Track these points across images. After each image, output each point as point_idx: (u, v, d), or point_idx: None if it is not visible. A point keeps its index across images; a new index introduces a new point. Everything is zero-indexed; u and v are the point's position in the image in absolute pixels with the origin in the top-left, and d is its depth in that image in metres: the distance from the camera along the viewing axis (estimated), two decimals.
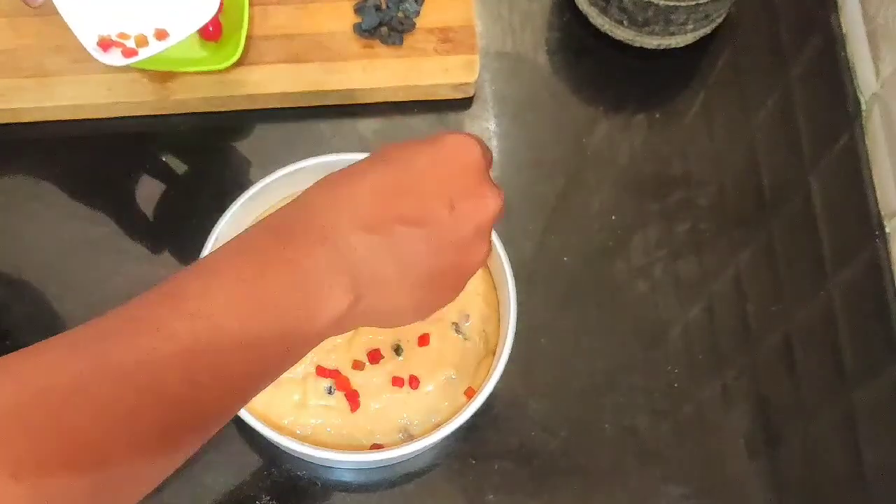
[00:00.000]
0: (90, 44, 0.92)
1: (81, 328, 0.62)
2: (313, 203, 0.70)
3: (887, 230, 1.05)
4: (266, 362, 0.67)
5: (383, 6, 1.08)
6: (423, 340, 0.92)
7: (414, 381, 0.91)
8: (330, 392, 0.90)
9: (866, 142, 1.09)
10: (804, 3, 1.16)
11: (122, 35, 0.94)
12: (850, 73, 1.12)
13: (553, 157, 1.09)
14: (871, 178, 1.08)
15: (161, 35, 0.94)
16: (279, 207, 0.71)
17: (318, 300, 0.67)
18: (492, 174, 0.75)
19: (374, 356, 0.91)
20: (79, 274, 1.02)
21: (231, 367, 0.64)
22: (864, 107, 1.11)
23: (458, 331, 0.92)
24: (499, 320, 0.94)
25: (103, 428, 0.59)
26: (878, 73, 1.08)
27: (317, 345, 0.69)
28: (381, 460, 0.89)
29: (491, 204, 0.73)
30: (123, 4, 0.94)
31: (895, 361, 1.01)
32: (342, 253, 0.68)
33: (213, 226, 0.90)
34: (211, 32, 1.05)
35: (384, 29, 1.08)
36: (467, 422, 0.87)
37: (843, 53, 1.13)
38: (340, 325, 0.69)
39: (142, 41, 0.93)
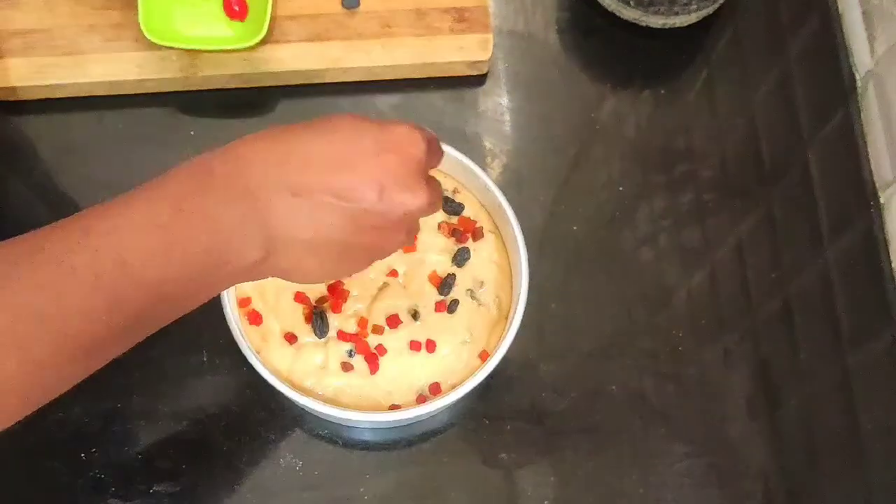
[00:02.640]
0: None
1: None
2: (245, 155, 0.68)
3: (881, 200, 1.04)
4: (169, 303, 0.67)
5: None
6: (440, 307, 0.91)
7: (431, 345, 0.90)
8: (350, 355, 0.89)
9: (861, 117, 1.08)
10: None
11: None
12: (846, 51, 1.11)
13: (563, 132, 1.08)
14: (865, 151, 1.07)
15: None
16: (217, 150, 0.69)
17: (228, 252, 0.67)
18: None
19: (393, 321, 0.90)
20: None
21: (132, 305, 0.64)
22: (859, 83, 1.09)
23: (472, 297, 0.91)
24: (511, 287, 0.93)
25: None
26: (872, 52, 1.07)
27: (223, 290, 0.70)
28: (399, 420, 0.89)
29: (419, 199, 0.71)
30: None
31: (889, 326, 1.00)
32: (261, 211, 0.67)
33: None
34: (237, 12, 1.04)
35: None
36: (481, 383, 0.86)
37: (839, 32, 1.12)
38: (247, 276, 0.70)
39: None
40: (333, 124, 0.71)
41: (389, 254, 0.75)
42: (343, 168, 0.69)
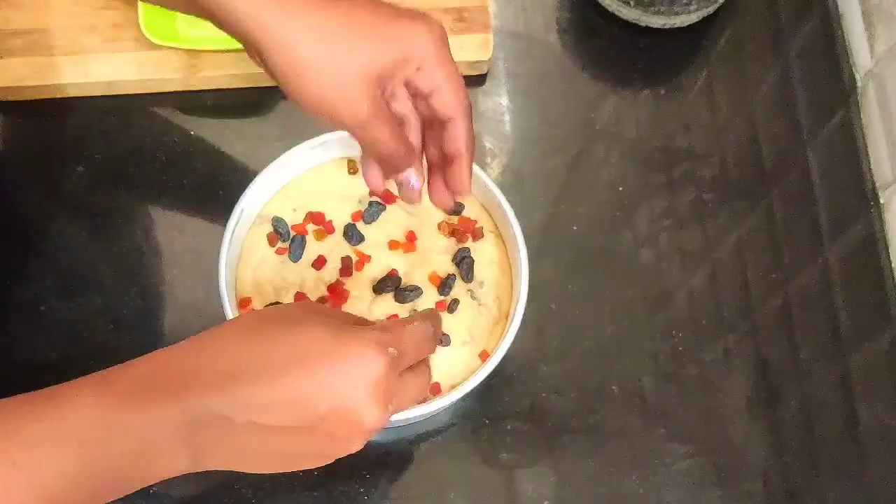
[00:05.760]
0: None
1: None
2: (186, 369, 0.67)
3: (881, 200, 1.04)
4: None
5: None
6: (441, 306, 0.90)
7: None
8: None
9: (861, 116, 1.08)
10: None
11: None
12: (846, 51, 1.11)
13: (563, 132, 1.07)
14: (865, 151, 1.06)
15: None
16: (156, 353, 0.68)
17: (152, 467, 0.66)
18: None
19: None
20: (111, 244, 1.01)
21: None
22: (859, 83, 1.09)
23: (473, 297, 0.91)
24: (511, 286, 0.92)
25: None
26: (872, 51, 1.07)
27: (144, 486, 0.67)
28: (399, 420, 0.87)
29: (366, 425, 0.67)
30: None
31: (889, 326, 1.00)
32: (193, 428, 0.65)
33: (239, 196, 0.88)
34: None
35: None
36: (481, 383, 0.85)
37: (839, 32, 1.11)
38: (172, 475, 0.67)
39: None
40: (295, 332, 0.68)
41: (336, 457, 0.72)
42: (283, 386, 0.66)
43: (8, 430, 0.62)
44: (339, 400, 0.66)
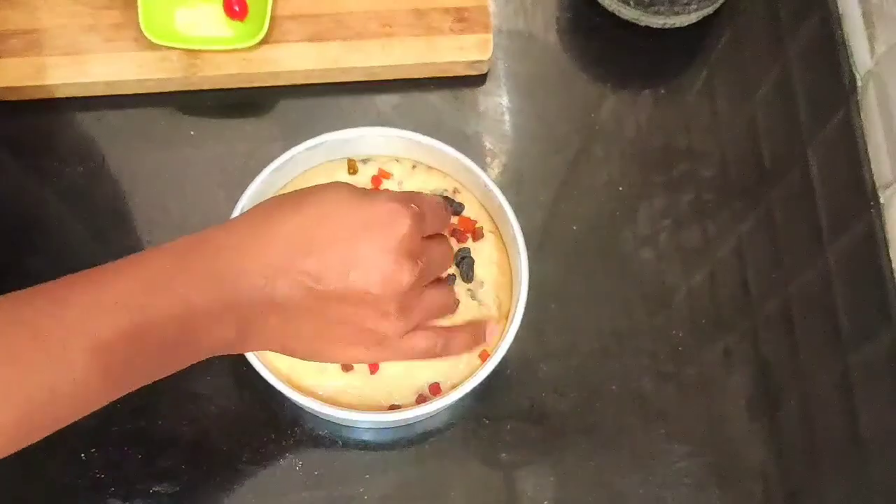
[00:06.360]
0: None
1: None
2: (220, 242, 0.70)
3: (881, 200, 1.04)
4: (137, 378, 0.69)
5: None
6: None
7: None
8: None
9: (861, 117, 1.07)
10: None
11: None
12: (847, 51, 1.11)
13: (563, 131, 1.07)
14: (865, 151, 1.06)
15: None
16: (197, 234, 0.71)
17: (199, 333, 0.69)
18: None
19: None
20: (111, 244, 1.01)
21: (97, 382, 0.65)
22: (859, 83, 1.09)
23: (473, 297, 0.91)
24: (511, 286, 0.92)
25: None
26: (872, 51, 1.07)
27: (197, 361, 0.70)
28: (399, 420, 0.88)
29: (396, 280, 0.72)
30: None
31: (889, 326, 1.00)
32: (230, 294, 0.68)
33: (239, 196, 0.88)
34: (237, 12, 1.04)
35: None
36: (481, 384, 0.85)
37: (839, 32, 1.11)
38: (223, 352, 0.71)
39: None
40: (319, 199, 0.72)
41: (388, 334, 0.76)
42: (312, 250, 0.70)
43: (59, 297, 0.65)
44: (370, 253, 0.71)
